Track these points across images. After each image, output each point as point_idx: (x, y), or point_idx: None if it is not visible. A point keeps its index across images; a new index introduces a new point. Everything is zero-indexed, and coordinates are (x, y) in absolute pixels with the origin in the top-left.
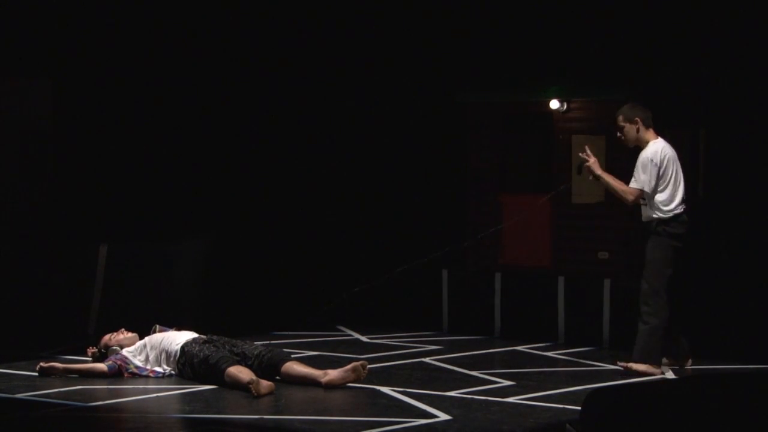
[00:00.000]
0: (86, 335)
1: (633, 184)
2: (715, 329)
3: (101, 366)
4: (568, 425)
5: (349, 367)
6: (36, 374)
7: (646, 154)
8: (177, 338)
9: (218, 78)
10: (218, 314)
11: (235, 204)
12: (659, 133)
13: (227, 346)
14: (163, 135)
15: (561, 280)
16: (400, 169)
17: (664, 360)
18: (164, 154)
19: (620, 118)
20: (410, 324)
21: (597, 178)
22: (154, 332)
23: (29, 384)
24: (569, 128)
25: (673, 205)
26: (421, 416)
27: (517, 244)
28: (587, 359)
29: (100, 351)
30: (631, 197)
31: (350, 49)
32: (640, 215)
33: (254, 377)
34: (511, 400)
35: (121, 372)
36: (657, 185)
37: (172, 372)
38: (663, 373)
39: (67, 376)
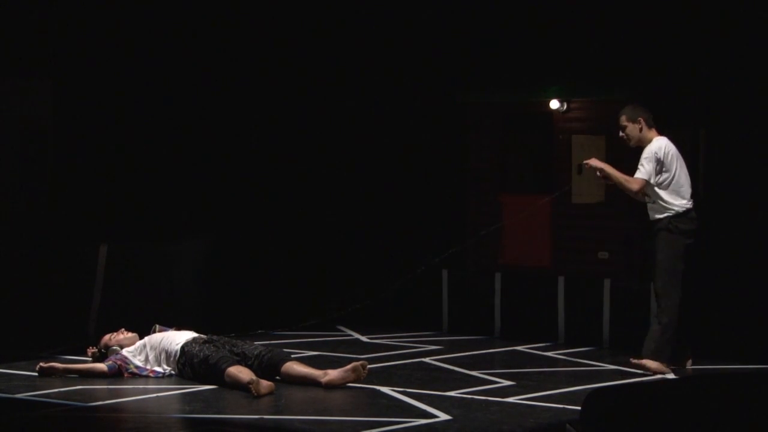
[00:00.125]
0: (86, 335)
1: (638, 175)
2: (715, 329)
3: (101, 366)
4: (568, 425)
5: (349, 367)
6: (36, 374)
7: (650, 148)
8: (177, 338)
9: (218, 78)
10: (218, 314)
11: (235, 204)
12: (661, 132)
13: (227, 346)
14: (163, 135)
15: (561, 280)
16: (400, 169)
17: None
18: (164, 154)
19: (623, 117)
20: (410, 324)
21: (601, 171)
22: (154, 332)
23: (29, 384)
24: (569, 128)
25: (682, 201)
26: (421, 416)
27: (517, 244)
28: (587, 359)
29: (100, 351)
30: (636, 186)
31: (350, 49)
32: (640, 215)
33: (254, 377)
34: (511, 400)
35: (121, 372)
36: (662, 180)
37: (172, 372)
38: (671, 373)
39: (67, 376)
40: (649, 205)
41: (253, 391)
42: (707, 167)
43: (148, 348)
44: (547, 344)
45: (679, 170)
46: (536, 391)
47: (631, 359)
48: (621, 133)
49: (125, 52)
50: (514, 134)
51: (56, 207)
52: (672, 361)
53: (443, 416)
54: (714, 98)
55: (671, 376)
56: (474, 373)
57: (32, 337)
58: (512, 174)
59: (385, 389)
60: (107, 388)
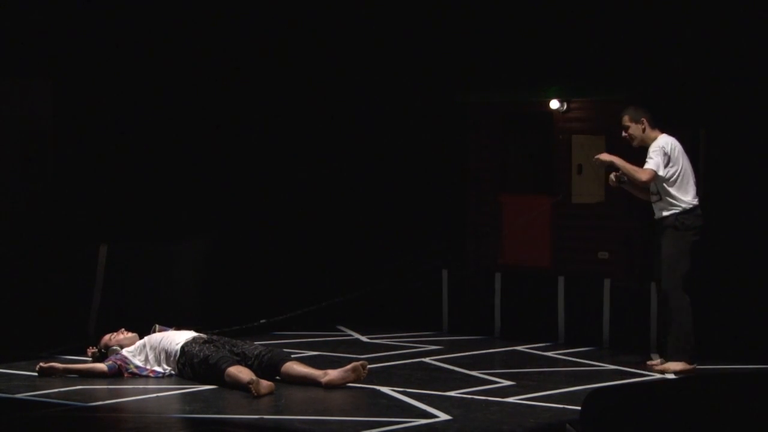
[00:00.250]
0: (86, 335)
1: (647, 166)
2: (716, 329)
3: (101, 366)
4: (568, 425)
5: (349, 367)
6: (36, 374)
7: (657, 143)
8: (177, 338)
9: (218, 78)
10: (218, 314)
11: (235, 204)
12: (664, 132)
13: (227, 346)
14: (163, 135)
15: (561, 280)
16: (400, 169)
17: (662, 360)
18: (164, 154)
19: (626, 117)
20: (410, 324)
21: (611, 164)
22: (154, 332)
23: (29, 384)
24: (569, 128)
25: (689, 198)
26: (421, 416)
27: (517, 244)
28: (587, 359)
29: (100, 351)
30: (645, 176)
31: (350, 49)
32: (640, 215)
33: (254, 377)
34: (511, 400)
35: (121, 372)
36: (669, 174)
37: (172, 372)
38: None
39: (67, 376)
40: (656, 204)
41: (253, 391)
42: (707, 167)
43: (147, 348)
44: (547, 344)
45: (685, 167)
46: (536, 391)
47: (653, 366)
48: (624, 133)
49: (125, 52)
50: (514, 134)
51: (56, 207)
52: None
53: (443, 416)
54: (714, 98)
55: (670, 375)
56: (474, 373)
57: (32, 337)
58: (512, 174)
59: (385, 389)
60: (107, 388)
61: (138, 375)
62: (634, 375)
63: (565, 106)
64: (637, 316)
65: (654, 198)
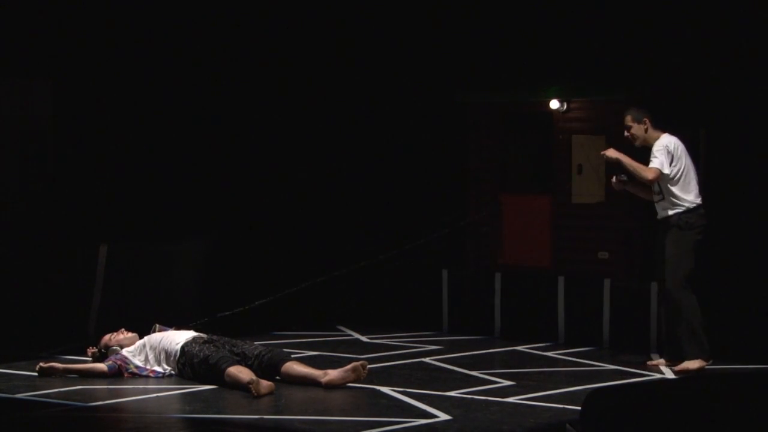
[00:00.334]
0: (86, 335)
1: (651, 165)
2: (716, 329)
3: (101, 366)
4: (568, 425)
5: (349, 367)
6: (36, 374)
7: (661, 142)
8: (177, 338)
9: (218, 78)
10: (218, 314)
11: (235, 204)
12: (665, 132)
13: (227, 346)
14: (163, 135)
15: (561, 280)
16: (400, 169)
17: (662, 360)
18: (164, 154)
19: (628, 117)
20: (410, 324)
21: (617, 161)
22: (154, 332)
23: (29, 384)
24: (569, 128)
25: (692, 197)
26: (421, 416)
27: (517, 244)
28: (587, 359)
29: (100, 351)
30: (651, 175)
31: (350, 49)
32: (640, 215)
33: (254, 377)
34: (511, 400)
35: (121, 372)
36: (674, 172)
37: (172, 372)
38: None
39: (67, 376)
40: (659, 203)
41: (253, 391)
42: (707, 167)
43: (147, 348)
44: (547, 344)
45: (688, 166)
46: (536, 391)
47: (672, 369)
48: (626, 133)
49: (125, 52)
50: (514, 134)
51: (56, 207)
52: (675, 358)
53: (443, 416)
54: (714, 98)
55: (670, 375)
56: (474, 373)
57: (32, 337)
58: (512, 174)
59: (385, 389)
60: (107, 388)
61: (138, 375)
62: (634, 375)
63: (565, 106)
64: (637, 316)
65: (657, 197)
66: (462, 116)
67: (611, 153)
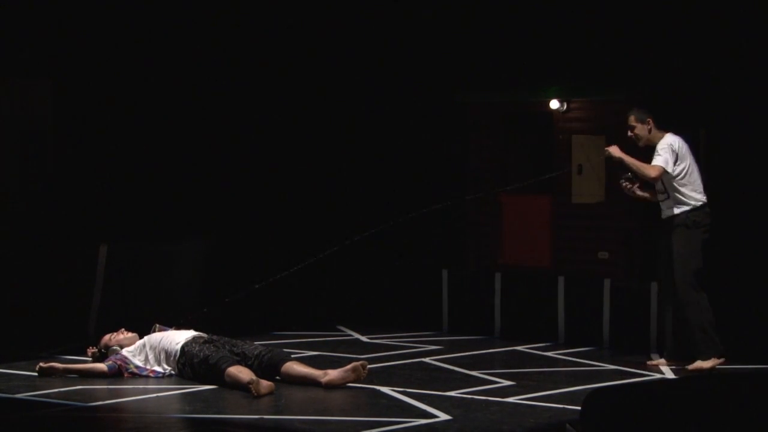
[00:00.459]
0: (86, 335)
1: (655, 162)
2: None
3: (101, 366)
4: (568, 425)
5: (349, 367)
6: (36, 374)
7: (665, 140)
8: (177, 338)
9: (218, 78)
10: (218, 314)
11: (235, 204)
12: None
13: (227, 346)
14: (163, 135)
15: (561, 280)
16: (400, 168)
17: (663, 360)
18: (164, 154)
19: (632, 118)
20: (410, 324)
21: (620, 160)
22: (154, 332)
23: (29, 384)
24: (569, 128)
25: (697, 195)
26: (421, 416)
27: (517, 244)
28: (587, 359)
29: (100, 351)
30: (654, 173)
31: (350, 49)
32: (640, 215)
33: (254, 377)
34: (511, 400)
35: (121, 372)
36: (678, 171)
37: (172, 372)
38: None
39: (67, 376)
40: (663, 203)
41: (253, 391)
42: (707, 167)
43: (147, 348)
44: (547, 344)
45: (692, 165)
46: (536, 391)
47: (687, 368)
48: (630, 133)
49: (125, 52)
50: (514, 134)
51: (56, 207)
52: (677, 358)
53: (443, 416)
54: (714, 98)
55: (670, 375)
56: (474, 373)
57: (32, 337)
58: (512, 174)
59: (385, 389)
60: (107, 388)
61: (138, 375)
62: (634, 375)
63: (565, 106)
64: (637, 316)
65: (661, 197)
66: (462, 116)
67: (614, 152)
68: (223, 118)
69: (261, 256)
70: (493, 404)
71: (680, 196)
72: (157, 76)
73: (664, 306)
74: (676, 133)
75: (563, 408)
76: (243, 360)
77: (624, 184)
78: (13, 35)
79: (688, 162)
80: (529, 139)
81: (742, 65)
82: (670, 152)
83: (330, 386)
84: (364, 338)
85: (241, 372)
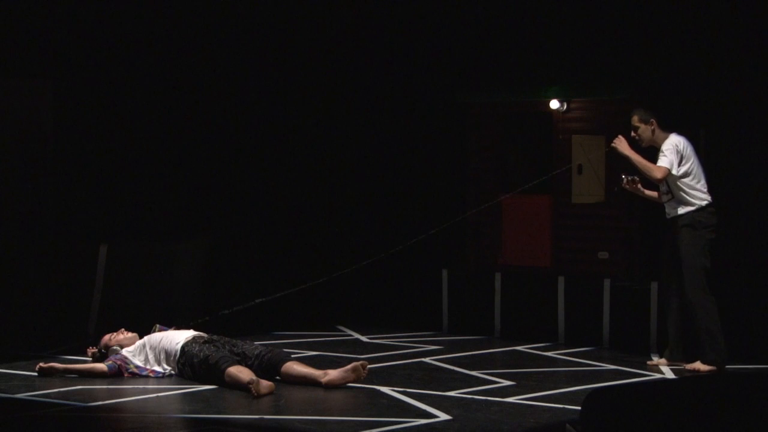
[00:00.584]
0: (86, 335)
1: (660, 163)
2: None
3: (101, 366)
4: (568, 425)
5: (349, 367)
6: (36, 374)
7: (670, 141)
8: (177, 337)
9: (218, 78)
10: (218, 314)
11: (235, 204)
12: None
13: (227, 346)
14: (163, 135)
15: (561, 280)
16: (400, 168)
17: (663, 360)
18: (164, 154)
19: (635, 118)
20: (410, 324)
21: (626, 157)
22: (154, 332)
23: (29, 384)
24: (569, 128)
25: (702, 195)
26: (421, 416)
27: (517, 244)
28: (587, 359)
29: (100, 351)
30: (659, 174)
31: (350, 49)
32: (640, 215)
33: (254, 377)
34: (511, 400)
35: (121, 372)
36: (683, 171)
37: (172, 372)
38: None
39: (67, 376)
40: (668, 204)
41: (253, 391)
42: (707, 167)
43: (147, 348)
44: (547, 344)
45: (697, 165)
46: (536, 391)
47: (685, 366)
48: (633, 134)
49: (126, 53)
50: (514, 134)
51: (56, 207)
52: (679, 358)
53: (443, 416)
54: (714, 98)
55: (670, 375)
56: (474, 373)
57: (32, 337)
58: (512, 174)
59: (385, 389)
60: (107, 388)
61: (138, 375)
62: (634, 375)
63: (565, 106)
64: (637, 316)
65: (666, 197)
66: (462, 116)
67: (623, 147)
68: (223, 117)
69: (261, 256)
70: (493, 404)
71: (685, 197)
72: (157, 76)
73: (665, 306)
74: (681, 133)
75: (563, 408)
76: (243, 360)
77: (624, 185)
78: (13, 35)
79: (692, 162)
80: (529, 139)
81: (742, 65)
82: (675, 153)
83: (330, 386)
84: (364, 338)
85: (241, 372)
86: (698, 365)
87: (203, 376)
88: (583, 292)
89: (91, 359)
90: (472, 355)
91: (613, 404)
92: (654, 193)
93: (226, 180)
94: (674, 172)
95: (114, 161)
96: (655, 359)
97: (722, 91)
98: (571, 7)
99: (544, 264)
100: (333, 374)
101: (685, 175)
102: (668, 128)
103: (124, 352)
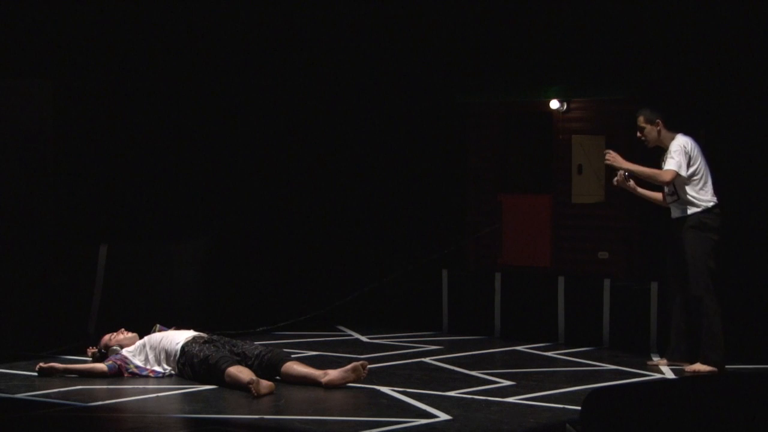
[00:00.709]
0: (86, 335)
1: (668, 167)
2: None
3: (101, 366)
4: (568, 425)
5: (349, 367)
6: (36, 374)
7: (678, 142)
8: (177, 338)
9: (218, 78)
10: (219, 314)
11: (235, 204)
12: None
13: (227, 346)
14: (163, 135)
15: (561, 280)
16: (400, 168)
17: (663, 360)
18: (164, 154)
19: (641, 118)
20: (410, 324)
21: (628, 171)
22: (154, 332)
23: (29, 384)
24: (569, 128)
25: (708, 197)
26: (421, 416)
27: (517, 244)
28: (587, 359)
29: (100, 351)
30: (667, 177)
31: (350, 49)
32: (640, 215)
33: (254, 377)
34: (511, 400)
35: (121, 372)
36: (691, 173)
37: (172, 372)
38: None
39: (67, 376)
40: (673, 204)
41: (253, 391)
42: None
43: (147, 348)
44: (547, 344)
45: (704, 166)
46: (536, 391)
47: (685, 368)
48: (639, 134)
49: (126, 53)
50: (514, 134)
51: (56, 207)
52: (679, 358)
53: (443, 416)
54: (714, 98)
55: (670, 375)
56: (474, 373)
57: (32, 337)
58: (512, 174)
59: (385, 389)
60: (107, 388)
61: (138, 375)
62: (634, 375)
63: (565, 106)
64: (637, 316)
65: (671, 199)
66: (462, 116)
67: (620, 163)
68: (223, 117)
69: (261, 256)
70: (493, 404)
71: (691, 198)
72: (157, 76)
73: (667, 306)
74: (686, 133)
75: (563, 408)
76: (243, 360)
77: (616, 180)
78: (13, 35)
79: (700, 163)
80: (529, 139)
81: (742, 65)
82: (683, 155)
83: (330, 386)
84: (364, 338)
85: (241, 372)
86: (698, 366)
87: (203, 376)
88: (583, 292)
89: (91, 359)
90: (472, 355)
91: (613, 404)
92: (651, 193)
93: (226, 180)
94: (683, 174)
95: (114, 161)
96: (655, 359)
97: (722, 91)
98: (571, 7)
99: (544, 264)
100: (333, 374)
101: (693, 176)
102: (674, 128)
103: (124, 352)
